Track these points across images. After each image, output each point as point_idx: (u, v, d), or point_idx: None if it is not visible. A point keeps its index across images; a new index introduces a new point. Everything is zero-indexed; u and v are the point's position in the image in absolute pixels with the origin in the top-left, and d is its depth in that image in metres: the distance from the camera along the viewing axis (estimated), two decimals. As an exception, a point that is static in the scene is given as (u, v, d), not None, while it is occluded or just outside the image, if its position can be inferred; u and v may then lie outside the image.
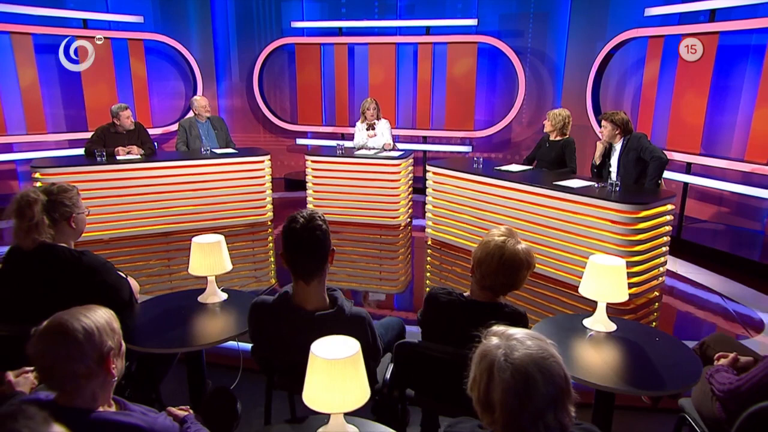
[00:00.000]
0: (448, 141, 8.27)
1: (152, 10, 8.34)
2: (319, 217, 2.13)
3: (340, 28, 8.23)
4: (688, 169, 6.10)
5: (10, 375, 2.07)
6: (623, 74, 7.31)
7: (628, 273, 2.75)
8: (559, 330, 2.47)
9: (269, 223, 6.37)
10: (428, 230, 5.79)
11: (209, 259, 2.67)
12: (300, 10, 8.59)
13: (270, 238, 6.17)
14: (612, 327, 2.45)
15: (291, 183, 8.34)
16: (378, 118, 6.59)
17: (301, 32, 8.50)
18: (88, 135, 7.22)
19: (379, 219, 6.14)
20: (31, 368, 2.15)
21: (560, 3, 7.59)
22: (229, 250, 2.80)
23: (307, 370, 1.70)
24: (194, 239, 2.71)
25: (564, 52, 7.64)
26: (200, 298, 2.75)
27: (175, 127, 8.31)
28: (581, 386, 1.87)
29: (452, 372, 2.18)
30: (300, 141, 8.81)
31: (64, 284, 2.42)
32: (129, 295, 2.62)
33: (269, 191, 6.31)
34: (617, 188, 4.39)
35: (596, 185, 4.61)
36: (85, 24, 7.59)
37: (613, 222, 4.22)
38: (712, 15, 5.76)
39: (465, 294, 2.24)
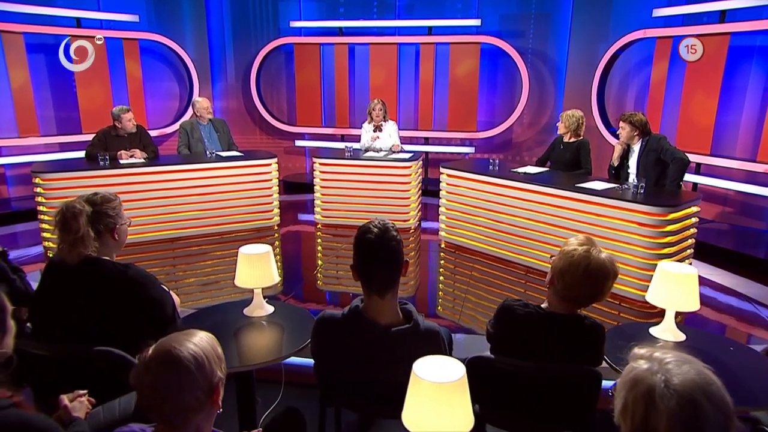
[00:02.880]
0: (448, 142, 8.20)
1: (146, 8, 8.09)
2: (392, 227, 2.06)
3: (341, 28, 8.10)
4: (697, 169, 6.12)
5: (65, 399, 1.92)
6: (626, 75, 7.32)
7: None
8: (627, 340, 2.40)
9: (276, 227, 6.22)
10: (441, 233, 5.70)
11: (257, 270, 2.54)
12: (297, 9, 8.44)
13: (277, 243, 6.02)
14: (681, 336, 2.39)
15: (290, 185, 8.17)
16: (385, 120, 6.47)
17: (299, 32, 8.35)
18: (82, 138, 7.01)
19: (390, 222, 6.01)
20: (84, 392, 2.01)
21: (562, 3, 7.58)
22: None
23: (409, 392, 1.60)
24: (241, 250, 2.58)
25: (566, 52, 7.62)
26: (246, 311, 2.62)
27: (170, 129, 8.12)
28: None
29: (531, 387, 2.12)
30: (299, 143, 8.66)
31: (109, 299, 2.27)
32: (172, 310, 2.48)
33: (276, 194, 6.15)
34: (642, 190, 4.35)
35: (619, 187, 4.57)
36: (79, 23, 7.33)
37: (640, 224, 4.18)
38: (723, 16, 5.78)
39: (542, 306, 2.16)
